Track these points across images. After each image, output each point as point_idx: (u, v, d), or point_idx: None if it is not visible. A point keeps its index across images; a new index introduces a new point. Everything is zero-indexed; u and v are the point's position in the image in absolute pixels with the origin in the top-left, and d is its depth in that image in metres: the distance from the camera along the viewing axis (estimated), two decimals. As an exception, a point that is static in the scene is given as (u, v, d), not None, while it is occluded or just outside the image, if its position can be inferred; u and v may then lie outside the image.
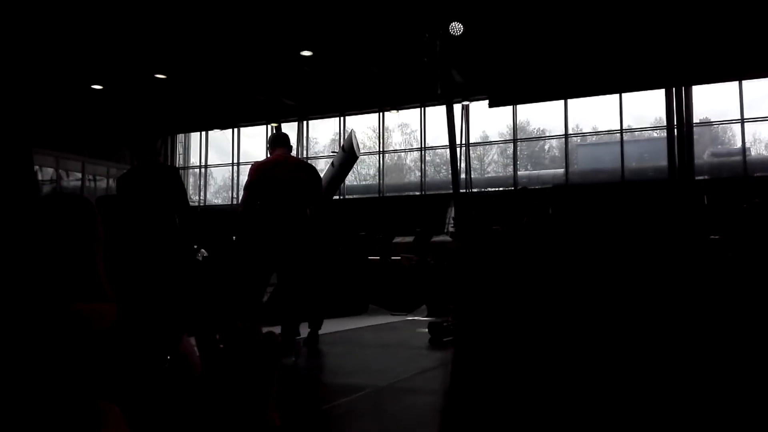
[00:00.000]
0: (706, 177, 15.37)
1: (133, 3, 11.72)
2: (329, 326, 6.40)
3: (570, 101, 15.78)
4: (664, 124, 15.34)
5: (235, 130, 20.54)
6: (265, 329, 0.60)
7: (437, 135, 17.68)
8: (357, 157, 6.35)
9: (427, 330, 6.51)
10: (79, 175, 18.01)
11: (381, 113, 18.47)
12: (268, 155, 4.99)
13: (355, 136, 6.17)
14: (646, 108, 15.88)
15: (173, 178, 4.39)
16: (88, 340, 1.13)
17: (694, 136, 15.25)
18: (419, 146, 18.19)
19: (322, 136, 20.15)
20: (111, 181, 18.87)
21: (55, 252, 1.24)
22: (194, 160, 21.81)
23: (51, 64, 14.41)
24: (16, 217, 2.47)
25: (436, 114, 17.38)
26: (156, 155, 4.57)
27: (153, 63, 15.14)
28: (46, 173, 17.01)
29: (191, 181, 21.72)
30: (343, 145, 6.08)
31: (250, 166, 4.91)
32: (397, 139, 18.73)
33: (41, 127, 16.06)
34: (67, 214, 1.29)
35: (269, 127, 19.47)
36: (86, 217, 1.32)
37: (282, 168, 4.65)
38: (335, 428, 3.32)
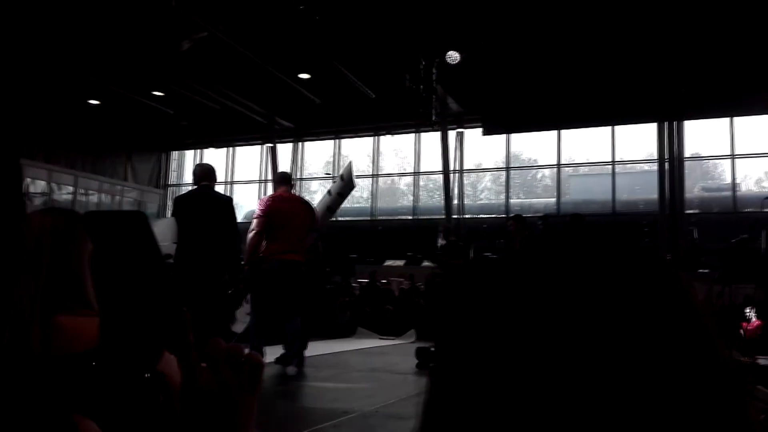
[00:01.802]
0: (696, 211, 15.50)
1: (133, 20, 11.82)
2: (316, 348, 6.36)
3: (563, 132, 15.96)
4: (656, 157, 15.52)
5: (230, 149, 20.58)
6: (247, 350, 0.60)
7: (431, 160, 17.78)
8: (354, 187, 6.55)
9: (414, 355, 6.48)
10: (71, 188, 17.93)
11: (376, 137, 18.58)
12: (274, 191, 5.57)
13: (353, 167, 6.38)
14: (637, 141, 16.08)
15: (227, 206, 4.74)
16: (69, 353, 1.12)
17: (685, 171, 15.42)
18: (413, 171, 18.28)
19: (315, 158, 20.23)
20: (103, 195, 18.81)
21: (42, 263, 1.23)
22: (188, 178, 21.78)
23: (49, 77, 14.45)
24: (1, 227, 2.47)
25: (431, 140, 17.51)
26: (212, 182, 4.83)
27: (151, 80, 15.21)
28: (38, 185, 16.93)
29: (184, 199, 21.65)
30: (341, 174, 6.27)
31: (261, 199, 5.64)
32: (391, 163, 18.82)
33: (35, 139, 16.05)
34: (57, 226, 1.29)
35: (264, 147, 19.53)
36: (75, 231, 1.31)
37: (287, 203, 5.20)
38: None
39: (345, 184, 6.14)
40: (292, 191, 5.73)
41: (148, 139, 20.16)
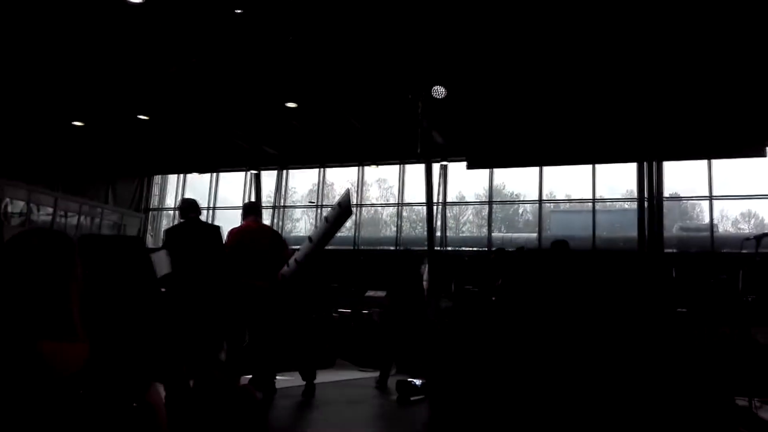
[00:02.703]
0: (674, 250, 15.69)
1: (122, 44, 11.86)
2: (293, 380, 6.27)
3: (545, 169, 16.18)
4: (635, 196, 15.76)
5: (214, 174, 20.51)
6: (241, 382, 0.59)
7: (415, 192, 17.89)
8: (351, 214, 6.59)
9: (395, 388, 6.41)
10: (50, 209, 17.67)
11: (360, 167, 18.67)
12: (242, 222, 5.66)
13: (351, 194, 6.48)
14: (618, 179, 16.35)
15: (214, 235, 4.95)
16: (51, 378, 1.09)
17: (664, 210, 15.66)
18: (397, 202, 18.35)
19: (300, 185, 20.23)
20: (83, 218, 18.55)
21: (27, 287, 1.20)
22: (170, 202, 21.62)
23: (32, 97, 14.37)
24: None
25: (415, 171, 17.64)
26: (198, 214, 5.07)
27: (137, 104, 15.19)
28: (16, 206, 16.67)
29: (164, 223, 21.45)
30: (339, 201, 6.28)
31: (228, 231, 5.51)
32: (375, 194, 18.88)
33: (15, 158, 15.87)
34: (44, 249, 1.25)
35: (249, 173, 19.49)
36: (64, 255, 1.28)
37: (252, 234, 5.36)
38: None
39: (342, 211, 6.17)
40: (261, 220, 5.92)
41: (131, 162, 20.03)
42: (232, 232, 5.39)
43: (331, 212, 6.39)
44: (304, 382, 6.01)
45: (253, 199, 18.79)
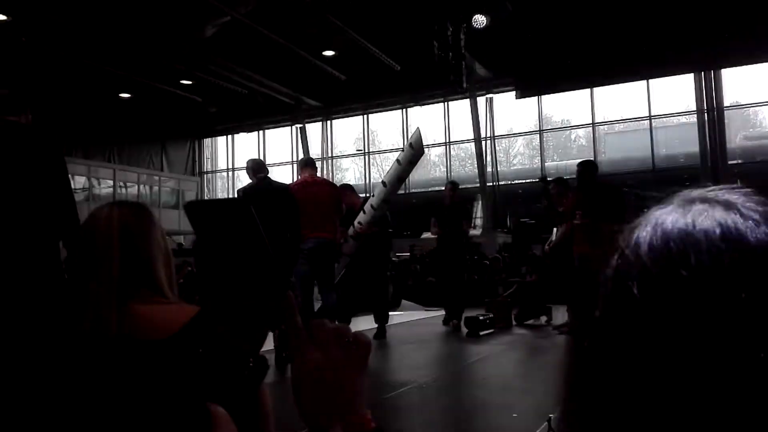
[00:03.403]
0: (738, 161, 15.03)
1: (156, 10, 11.87)
2: (364, 323, 6.42)
3: (596, 90, 15.57)
4: (694, 109, 15.05)
5: (260, 132, 20.70)
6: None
7: (461, 129, 17.59)
8: (423, 153, 6.55)
9: (463, 324, 6.51)
10: (110, 182, 18.32)
11: (404, 109, 18.44)
12: (299, 176, 5.77)
13: (421, 133, 6.37)
14: (674, 93, 15.56)
15: (287, 194, 5.03)
16: (144, 339, 1.14)
17: (725, 120, 14.93)
18: (444, 141, 18.13)
19: (345, 135, 20.17)
20: (141, 186, 19.16)
21: (113, 254, 1.26)
22: (221, 164, 22.04)
23: (80, 75, 14.67)
24: (58, 230, 2.52)
25: (459, 108, 17.30)
26: (267, 173, 5.16)
27: (179, 69, 15.32)
28: (78, 182, 17.33)
29: (219, 185, 21.94)
30: (410, 142, 6.23)
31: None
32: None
33: (72, 136, 16.38)
34: (125, 217, 1.31)
35: (294, 128, 19.57)
36: (143, 221, 1.34)
37: (311, 188, 5.46)
38: (385, 425, 3.34)
39: (415, 152, 6.15)
40: (317, 173, 5.97)
41: (180, 128, 20.41)
42: (292, 188, 5.43)
43: (403, 153, 6.36)
44: (376, 325, 6.15)
45: (300, 152, 18.92)
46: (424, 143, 6.44)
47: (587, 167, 5.96)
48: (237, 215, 0.58)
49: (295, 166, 19.34)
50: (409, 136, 6.44)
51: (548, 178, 6.73)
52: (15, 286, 2.42)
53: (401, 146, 18.41)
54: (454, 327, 6.75)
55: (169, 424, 0.43)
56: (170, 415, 0.44)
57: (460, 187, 8.00)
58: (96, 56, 13.97)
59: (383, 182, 6.63)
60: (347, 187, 6.65)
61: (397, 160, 6.53)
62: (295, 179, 6.83)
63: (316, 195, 5.39)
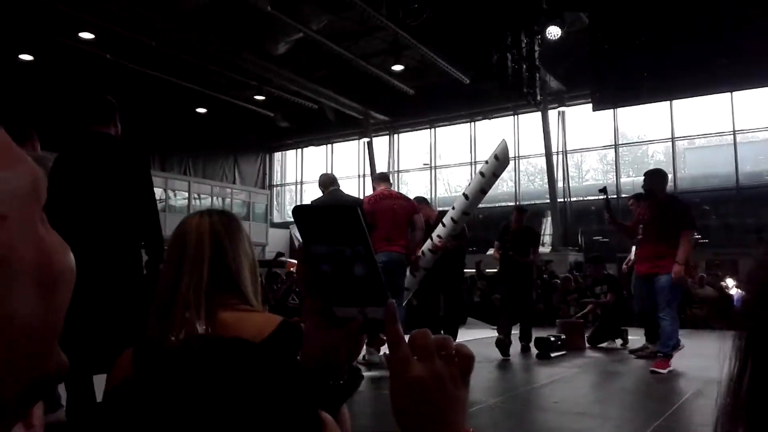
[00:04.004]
0: (834, 179, 14.02)
1: (231, 28, 12.29)
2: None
3: (675, 104, 14.92)
4: (783, 123, 14.19)
5: (329, 146, 21.03)
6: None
7: (530, 143, 17.23)
8: (508, 165, 6.46)
9: (534, 344, 6.29)
10: (185, 193, 19.03)
11: (472, 123, 18.28)
12: (375, 189, 5.76)
13: (507, 145, 6.28)
14: (760, 107, 14.68)
15: (360, 207, 5.10)
16: (242, 347, 1.11)
17: (819, 135, 13.98)
18: (512, 155, 17.83)
19: (411, 150, 20.14)
20: (214, 198, 19.81)
21: (204, 260, 1.27)
22: (290, 177, 22.52)
23: (161, 92, 15.37)
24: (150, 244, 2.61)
25: (529, 122, 16.97)
26: (338, 186, 5.33)
27: (252, 85, 15.79)
28: (155, 193, 18.09)
29: (288, 198, 22.41)
30: (495, 153, 6.15)
31: (364, 198, 5.70)
32: (489, 149, 18.46)
33: (151, 149, 17.16)
34: (215, 226, 1.32)
35: (361, 141, 19.76)
36: (232, 229, 1.34)
37: (387, 200, 5.43)
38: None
39: (500, 163, 6.06)
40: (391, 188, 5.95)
41: (252, 142, 21.06)
42: (367, 201, 5.48)
43: (487, 165, 6.27)
44: None
45: (367, 166, 19.07)
46: (478, 159, 6.35)
47: (654, 176, 5.32)
48: (347, 222, 0.58)
49: (362, 179, 19.52)
50: (496, 147, 6.29)
51: (606, 188, 6.01)
52: (101, 286, 2.54)
53: (468, 160, 18.26)
54: (522, 349, 6.46)
55: (281, 428, 0.39)
56: (282, 418, 0.40)
57: (530, 203, 7.76)
58: (175, 73, 14.61)
59: (464, 194, 6.52)
60: (422, 200, 6.55)
61: (480, 172, 6.42)
62: (362, 192, 6.86)
63: (393, 209, 5.36)
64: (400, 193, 6.21)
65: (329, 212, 0.59)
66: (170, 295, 1.23)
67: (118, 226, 2.77)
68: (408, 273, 6.54)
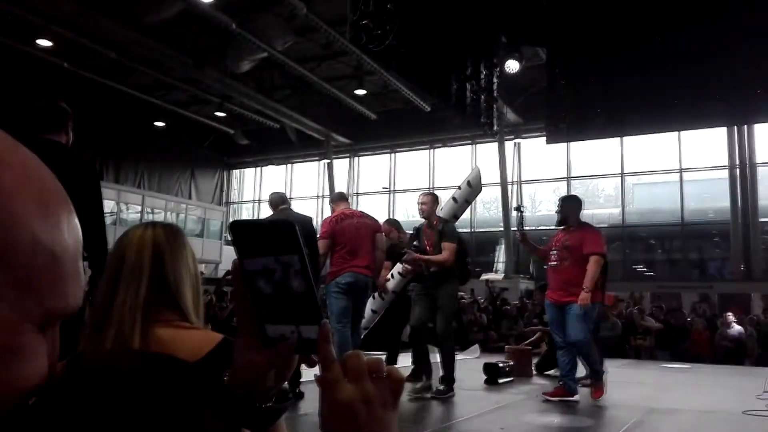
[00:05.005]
0: (772, 219, 14.74)
1: (194, 45, 12.22)
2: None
3: (626, 140, 15.47)
4: (726, 164, 14.87)
5: (289, 165, 20.97)
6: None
7: (487, 173, 17.55)
8: (480, 191, 6.46)
9: (482, 371, 6.35)
10: (138, 207, 18.62)
11: (431, 149, 18.56)
12: (334, 210, 5.53)
13: (480, 173, 6.31)
14: (706, 147, 15.38)
15: (310, 225, 5.02)
16: (171, 364, 1.10)
17: (758, 177, 14.70)
18: (470, 184, 18.12)
19: (370, 172, 20.26)
20: (168, 213, 19.42)
21: (142, 275, 1.23)
22: (248, 195, 22.31)
23: (118, 101, 15.10)
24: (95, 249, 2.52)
25: (486, 152, 17.32)
26: (289, 205, 5.22)
27: (213, 102, 15.68)
28: (106, 205, 17.61)
29: (245, 215, 22.17)
30: (468, 180, 6.15)
31: (325, 220, 5.42)
32: (447, 176, 18.65)
33: (104, 160, 16.79)
34: (158, 239, 1.28)
35: (321, 163, 19.78)
36: (175, 244, 1.31)
37: (352, 219, 5.23)
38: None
39: (472, 190, 6.07)
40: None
41: (211, 158, 20.81)
42: (331, 220, 5.29)
43: (460, 191, 6.29)
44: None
45: (326, 188, 19.07)
46: (454, 183, 6.39)
47: (568, 202, 5.33)
48: (283, 238, 0.56)
49: (321, 200, 19.47)
50: (469, 174, 6.34)
51: (522, 206, 6.03)
52: None
53: (426, 186, 18.47)
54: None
55: None
56: None
57: (485, 231, 7.82)
58: (135, 85, 14.40)
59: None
60: (394, 223, 6.41)
61: (453, 198, 6.44)
62: (320, 213, 6.80)
63: (356, 227, 5.17)
64: (362, 212, 6.00)
65: (265, 228, 0.58)
66: (105, 310, 1.18)
67: None
68: (377, 296, 6.45)
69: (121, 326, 1.15)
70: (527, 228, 17.23)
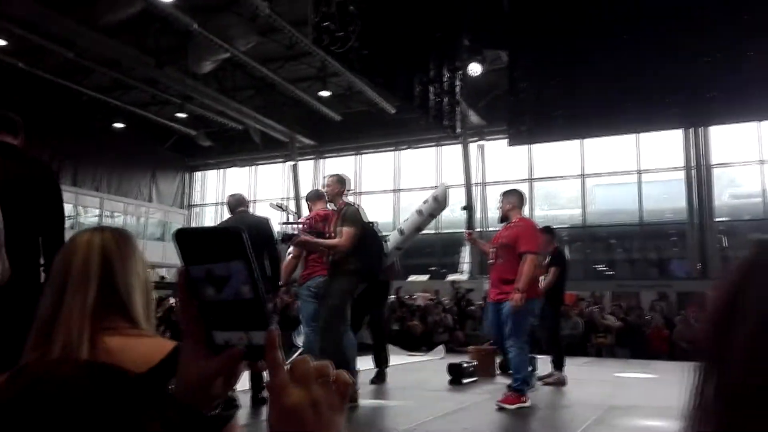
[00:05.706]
0: (725, 219, 15.20)
1: (155, 44, 12.01)
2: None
3: (586, 142, 15.79)
4: (682, 165, 15.29)
5: (253, 167, 20.74)
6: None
7: (452, 174, 17.69)
8: (446, 207, 6.51)
9: (447, 371, 6.38)
10: (97, 210, 18.17)
11: (397, 151, 18.60)
12: (310, 208, 5.49)
13: (448, 188, 6.36)
14: (664, 149, 15.79)
15: (267, 226, 4.92)
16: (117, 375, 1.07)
17: (713, 178, 15.16)
18: (434, 185, 18.22)
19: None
20: (128, 217, 19.00)
21: (90, 282, 1.19)
22: (210, 197, 21.98)
23: (75, 102, 14.73)
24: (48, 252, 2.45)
25: (451, 153, 17.45)
26: (247, 208, 5.16)
27: (174, 103, 15.41)
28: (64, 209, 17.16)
29: (207, 219, 21.83)
30: (435, 195, 6.18)
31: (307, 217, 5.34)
32: (413, 178, 18.72)
33: (62, 163, 16.33)
34: (106, 244, 1.24)
35: (286, 165, 19.63)
36: (124, 249, 1.27)
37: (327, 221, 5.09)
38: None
39: (438, 205, 6.11)
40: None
41: (172, 160, 20.43)
42: (309, 220, 5.21)
43: (426, 205, 6.34)
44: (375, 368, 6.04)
45: (291, 190, 18.93)
46: (420, 185, 6.47)
47: (508, 196, 5.28)
48: (229, 243, 0.56)
49: (285, 202, 19.31)
50: (436, 189, 6.41)
51: (469, 206, 6.09)
52: None
53: (392, 188, 18.52)
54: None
55: None
56: None
57: (450, 232, 7.90)
58: (93, 85, 14.06)
59: (400, 230, 6.56)
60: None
61: (419, 211, 6.50)
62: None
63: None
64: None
65: (211, 234, 0.58)
66: (51, 319, 1.14)
67: (16, 242, 2.60)
68: None
69: (68, 336, 1.12)
70: (490, 229, 17.42)
